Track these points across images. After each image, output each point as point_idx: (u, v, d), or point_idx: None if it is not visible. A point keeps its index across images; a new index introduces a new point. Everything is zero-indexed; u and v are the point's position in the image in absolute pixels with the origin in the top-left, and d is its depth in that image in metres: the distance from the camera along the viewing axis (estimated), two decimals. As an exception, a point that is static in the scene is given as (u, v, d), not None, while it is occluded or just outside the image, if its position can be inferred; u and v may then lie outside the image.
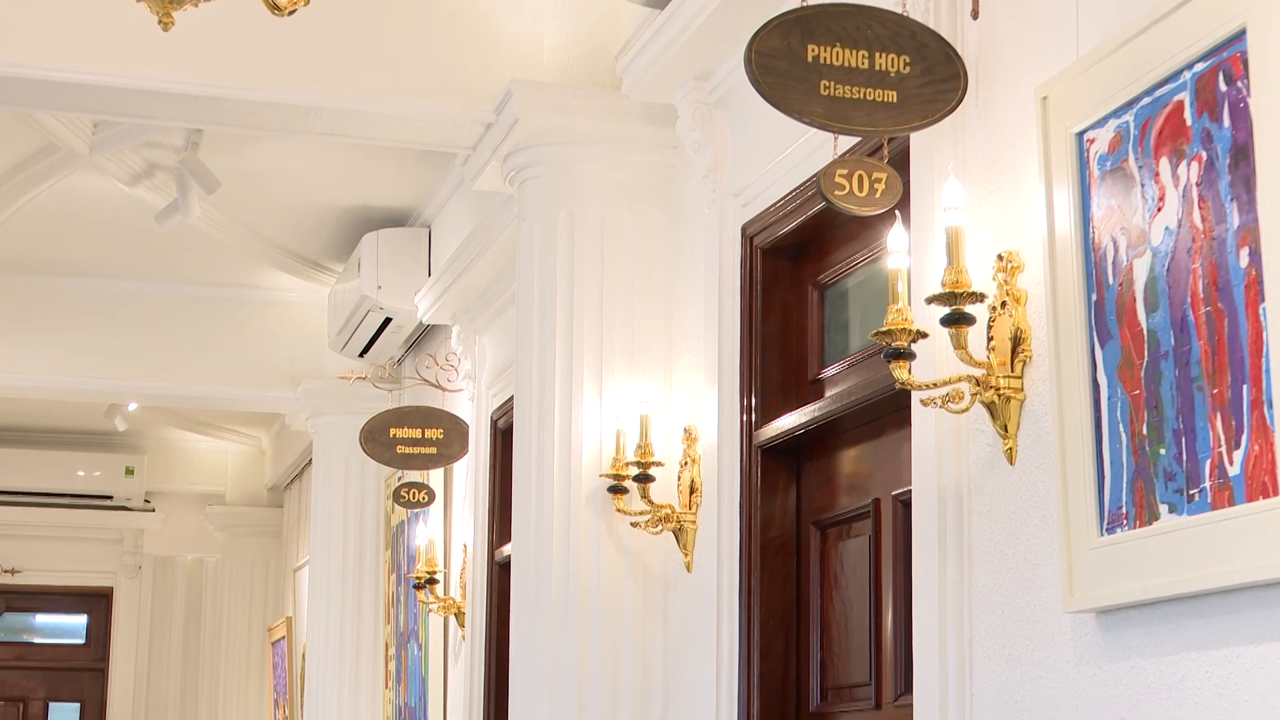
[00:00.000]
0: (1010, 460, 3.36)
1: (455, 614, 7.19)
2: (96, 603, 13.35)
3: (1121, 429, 2.99)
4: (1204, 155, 2.81)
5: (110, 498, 12.87)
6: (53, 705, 13.23)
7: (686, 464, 4.90)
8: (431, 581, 7.17)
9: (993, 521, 3.43)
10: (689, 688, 4.83)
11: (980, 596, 3.46)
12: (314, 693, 8.81)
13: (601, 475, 4.98)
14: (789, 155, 4.40)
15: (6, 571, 12.88)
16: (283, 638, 11.30)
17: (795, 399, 4.56)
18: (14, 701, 13.14)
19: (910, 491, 3.78)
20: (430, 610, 7.38)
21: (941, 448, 3.59)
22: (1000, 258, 3.39)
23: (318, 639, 8.85)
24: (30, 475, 12.58)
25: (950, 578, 3.54)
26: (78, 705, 13.25)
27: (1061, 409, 3.13)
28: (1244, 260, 2.70)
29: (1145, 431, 2.92)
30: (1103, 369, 3.04)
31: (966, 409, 3.37)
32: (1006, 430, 3.35)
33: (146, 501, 13.02)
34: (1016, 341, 3.33)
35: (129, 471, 12.74)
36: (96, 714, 13.16)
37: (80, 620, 13.45)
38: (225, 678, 12.50)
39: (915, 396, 3.61)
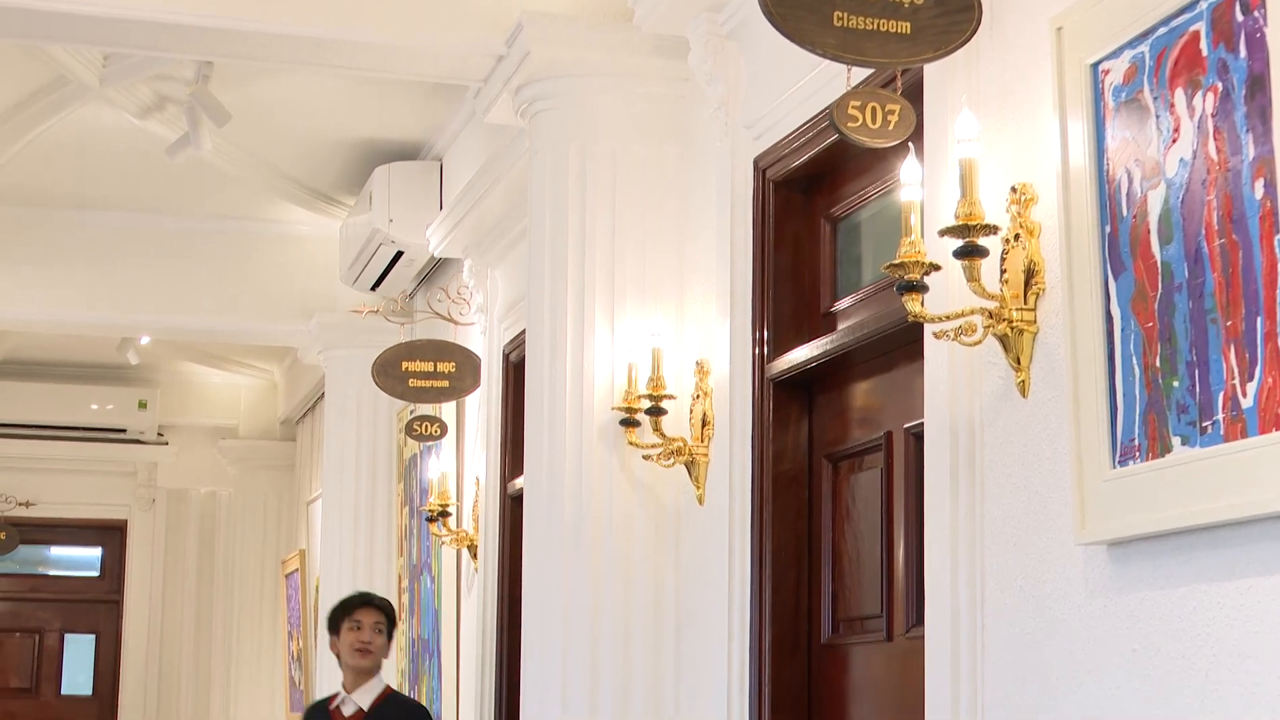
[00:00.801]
0: (1023, 393, 3.36)
1: (468, 547, 7.21)
2: (111, 535, 13.42)
3: (1134, 361, 2.98)
4: (1220, 86, 2.79)
5: (123, 431, 12.91)
6: (68, 637, 13.32)
7: (698, 397, 4.90)
8: (444, 514, 7.19)
9: (1005, 454, 3.43)
10: (701, 620, 4.85)
11: (992, 529, 3.47)
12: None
13: (613, 408, 4.99)
14: (802, 87, 4.38)
15: (21, 504, 12.94)
16: (296, 570, 11.35)
17: (807, 332, 4.55)
18: (30, 633, 13.22)
19: (922, 424, 3.78)
20: (443, 543, 7.40)
21: (954, 381, 3.59)
22: (1014, 190, 3.38)
23: (331, 571, 8.89)
24: (44, 409, 12.62)
25: (962, 510, 3.55)
26: (93, 637, 13.33)
27: (1074, 341, 3.13)
28: (1259, 192, 2.69)
29: (1158, 364, 2.92)
30: (1116, 301, 3.04)
31: (979, 342, 3.37)
32: (1019, 363, 3.35)
33: (159, 435, 13.05)
34: (1030, 274, 3.32)
35: (142, 405, 12.77)
36: (111, 646, 13.24)
37: (95, 553, 13.52)
38: (239, 610, 12.56)
39: (928, 329, 3.60)
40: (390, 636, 6.02)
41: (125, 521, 13.33)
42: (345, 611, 6.05)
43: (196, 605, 13.08)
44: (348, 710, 5.97)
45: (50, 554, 13.69)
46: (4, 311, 9.03)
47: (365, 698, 5.97)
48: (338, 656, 6.06)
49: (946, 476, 3.60)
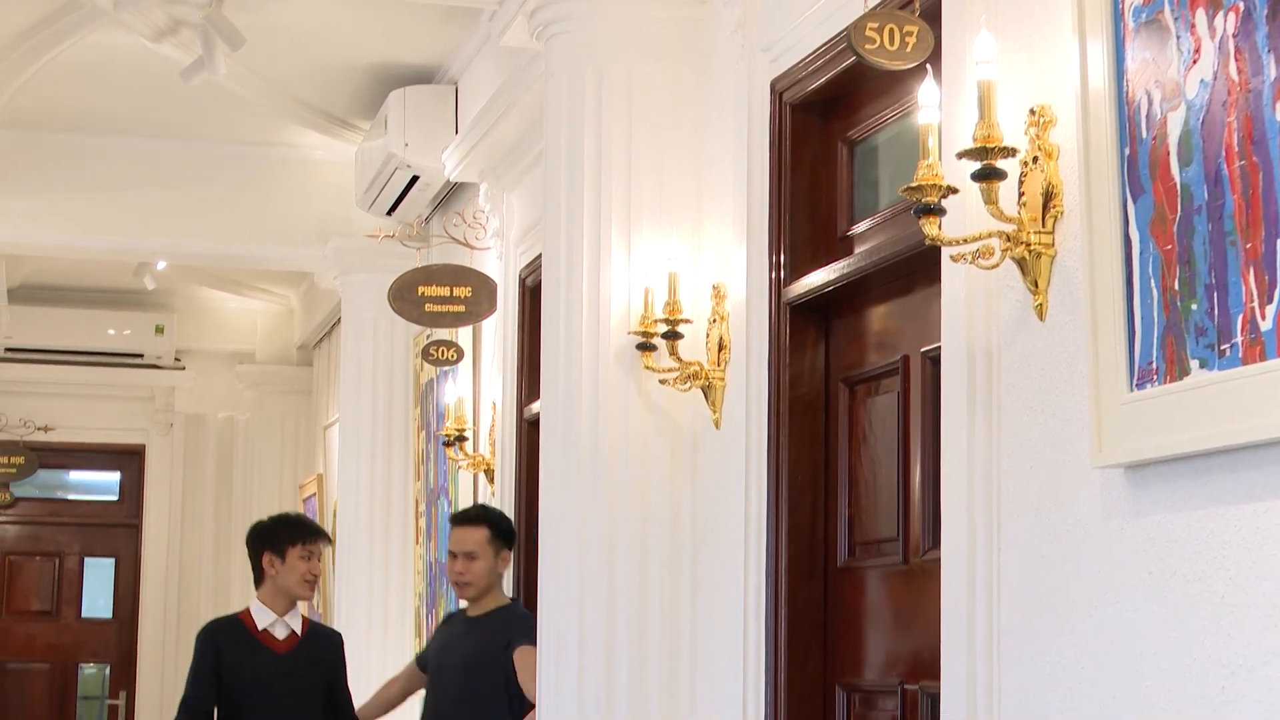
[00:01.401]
0: (1040, 316, 3.35)
1: (485, 471, 7.23)
2: (129, 460, 13.46)
3: (1153, 284, 2.97)
4: (1241, 6, 2.76)
5: (141, 356, 12.93)
6: (88, 560, 13.39)
7: (715, 321, 4.90)
8: (461, 439, 7.21)
9: (1022, 377, 3.43)
10: (717, 543, 4.86)
11: (1008, 452, 3.46)
12: (345, 549, 8.90)
13: (630, 333, 4.98)
14: (819, 9, 4.35)
15: (40, 429, 12.98)
16: (314, 495, 11.39)
17: (824, 256, 4.54)
18: (50, 556, 13.30)
19: (939, 348, 3.78)
20: (460, 467, 7.42)
21: (971, 304, 3.58)
22: (1032, 112, 3.36)
23: (348, 496, 8.92)
24: (61, 334, 12.64)
25: (979, 434, 3.54)
26: (112, 560, 13.40)
27: (1093, 264, 3.11)
28: (1280, 113, 2.67)
29: (1177, 286, 2.91)
30: (1135, 224, 3.02)
31: (997, 265, 3.36)
32: (1037, 286, 3.34)
33: (177, 360, 13.08)
34: (1048, 196, 3.31)
35: (159, 330, 12.79)
36: (131, 569, 13.32)
37: (113, 477, 13.57)
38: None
39: (945, 253, 3.59)
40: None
41: (143, 446, 13.37)
42: (301, 535, 6.05)
43: (215, 529, 13.14)
44: (280, 633, 6.00)
45: (69, 478, 13.75)
46: (20, 236, 9.04)
47: (296, 622, 6.04)
48: (267, 576, 6.07)
49: (963, 400, 3.59)
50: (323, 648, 6.14)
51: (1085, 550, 3.20)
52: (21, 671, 13.09)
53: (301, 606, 6.23)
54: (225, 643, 6.00)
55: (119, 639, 13.00)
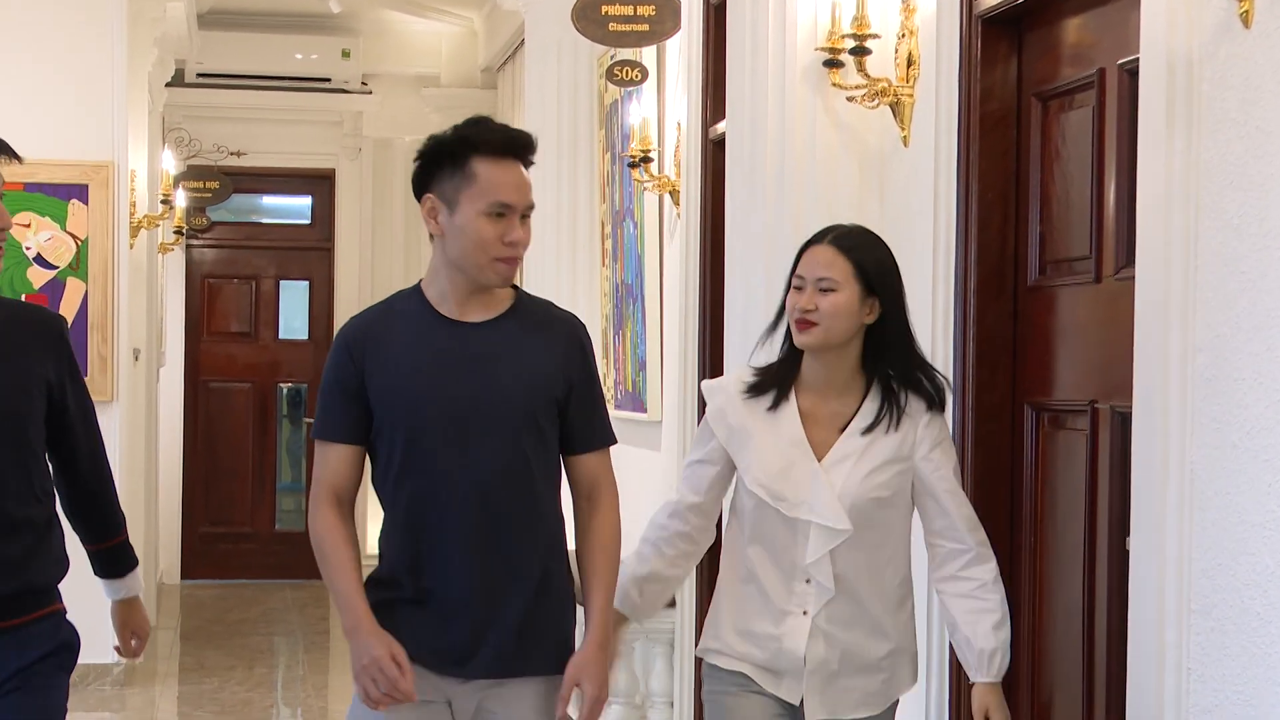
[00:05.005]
0: (1245, 23, 3.22)
1: (670, 192, 7.22)
2: (319, 184, 13.66)
3: (1368, -12, 2.84)
4: None
5: (328, 80, 13.04)
6: (283, 283, 13.70)
7: (904, 36, 4.79)
8: (646, 160, 7.19)
9: (1224, 90, 3.31)
10: (906, 261, 4.80)
11: (1209, 167, 3.36)
12: (532, 270, 8.99)
13: (817, 49, 4.89)
14: None
15: (232, 154, 13.20)
16: (501, 217, 11.49)
17: (1018, -35, 4.40)
18: (246, 279, 13.62)
19: (1137, 60, 3.66)
20: (645, 188, 7.42)
21: (1172, 11, 3.45)
22: None
23: (535, 217, 8.96)
24: (249, 58, 12.77)
25: (1178, 149, 3.44)
26: (306, 283, 13.70)
27: (1304, -32, 2.98)
28: None
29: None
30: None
31: (1201, -29, 3.23)
32: (1243, -10, 3.20)
33: (364, 84, 13.16)
34: (1258, -103, 3.15)
35: (345, 54, 12.85)
36: (325, 290, 13.61)
37: (305, 201, 13.80)
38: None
39: (1146, -41, 3.46)
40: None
41: (333, 170, 13.55)
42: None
43: (405, 253, 13.34)
44: None
45: (262, 202, 14.02)
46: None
47: None
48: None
49: (1162, 114, 3.49)
50: None
51: (1286, 267, 3.11)
52: (224, 390, 13.53)
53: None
54: None
55: (315, 359, 13.33)
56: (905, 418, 3.77)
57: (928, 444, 3.78)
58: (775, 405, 3.78)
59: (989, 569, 3.80)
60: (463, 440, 3.63)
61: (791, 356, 3.81)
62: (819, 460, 3.74)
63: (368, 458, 3.74)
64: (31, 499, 3.79)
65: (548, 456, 3.72)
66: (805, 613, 3.75)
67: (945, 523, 3.80)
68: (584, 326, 3.85)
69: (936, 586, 3.85)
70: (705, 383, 4.00)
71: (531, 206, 3.83)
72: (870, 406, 3.78)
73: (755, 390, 3.81)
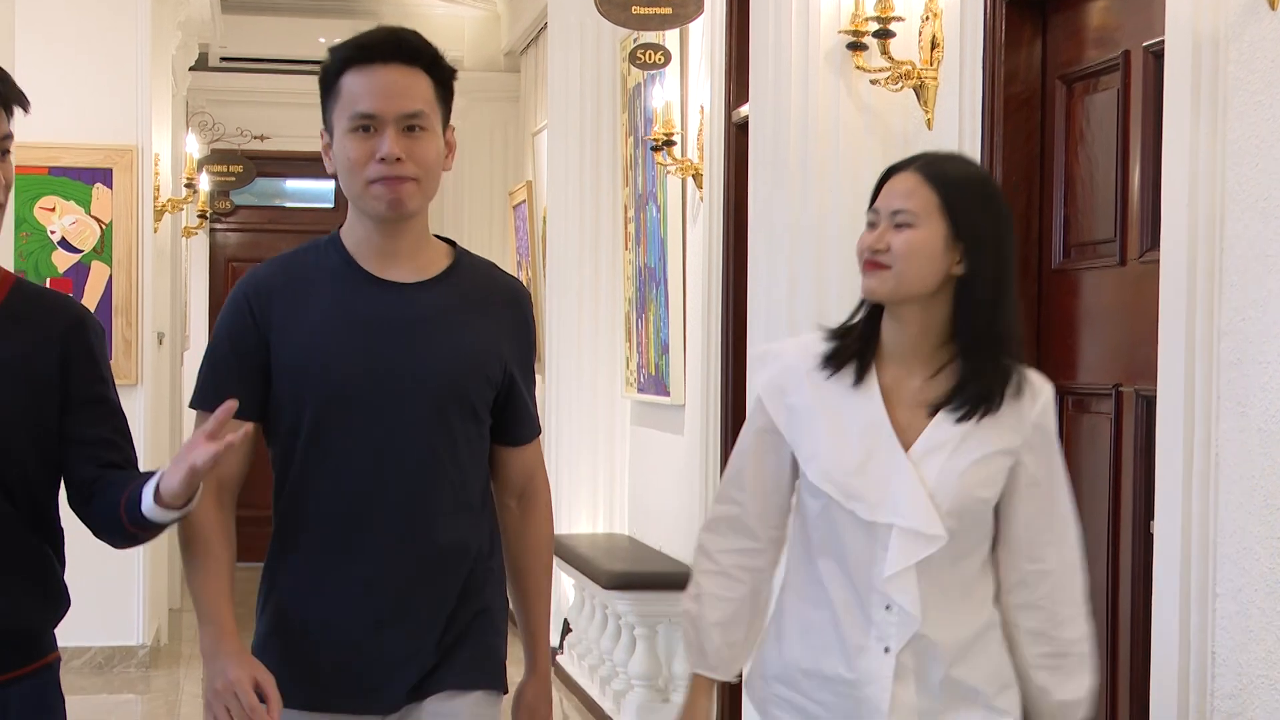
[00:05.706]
0: (1272, 5, 3.20)
1: (693, 175, 7.21)
2: (343, 168, 13.68)
3: (1395, -31, 2.82)
4: None
5: (351, 64, 13.02)
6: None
7: (928, 18, 4.77)
8: (669, 143, 7.19)
9: (1250, 71, 3.30)
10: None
11: (1234, 150, 3.35)
12: (555, 254, 8.99)
13: (840, 31, 4.88)
14: None
15: (256, 138, 13.21)
16: (524, 201, 11.48)
17: (1043, -53, 4.39)
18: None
19: (1162, 42, 3.65)
20: (668, 172, 7.41)
21: (1198, -6, 3.44)
22: None
23: (558, 201, 8.97)
24: (273, 42, 12.78)
25: (1203, 130, 3.43)
26: (330, 267, 13.71)
27: (1330, -51, 2.96)
28: None
29: None
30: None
31: (1227, -48, 3.21)
32: (1269, -27, 3.19)
33: (386, 68, 13.15)
34: (1284, -122, 3.14)
35: (368, 38, 12.85)
36: (348, 275, 13.62)
37: (327, 186, 13.80)
38: (468, 241, 12.67)
39: (1172, -60, 3.44)
40: None
41: (356, 154, 13.55)
42: None
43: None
44: None
45: (286, 186, 14.03)
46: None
47: None
48: None
49: (1187, 95, 3.47)
50: None
51: (1312, 249, 3.10)
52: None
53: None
54: None
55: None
56: (1007, 400, 2.99)
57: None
58: (859, 379, 3.00)
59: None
60: (383, 420, 3.03)
61: (872, 316, 3.03)
62: (905, 450, 2.97)
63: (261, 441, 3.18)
64: None
65: (480, 445, 3.15)
66: (887, 650, 2.96)
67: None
68: (528, 296, 3.28)
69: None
70: (759, 350, 3.30)
71: (413, 114, 3.06)
72: (971, 385, 2.98)
73: (832, 361, 3.01)
